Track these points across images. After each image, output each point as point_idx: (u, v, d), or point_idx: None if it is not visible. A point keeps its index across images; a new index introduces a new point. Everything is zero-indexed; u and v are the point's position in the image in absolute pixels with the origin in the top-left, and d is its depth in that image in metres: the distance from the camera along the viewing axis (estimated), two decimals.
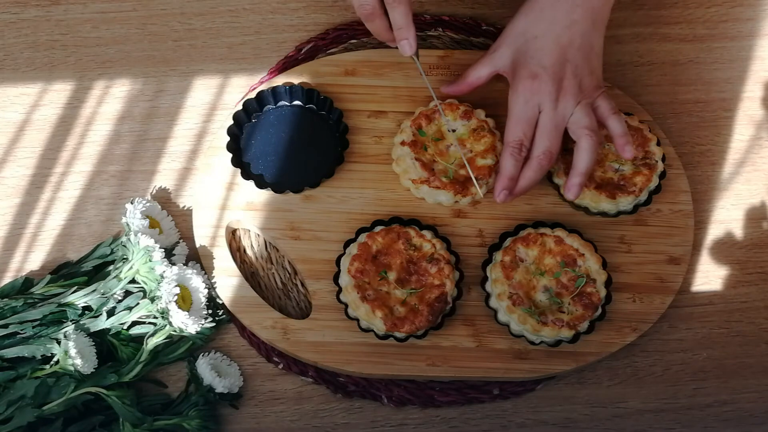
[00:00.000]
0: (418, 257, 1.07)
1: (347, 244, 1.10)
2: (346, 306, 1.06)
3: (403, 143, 1.11)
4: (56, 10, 1.25)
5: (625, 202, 1.11)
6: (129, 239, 1.06)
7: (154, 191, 1.17)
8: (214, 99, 1.22)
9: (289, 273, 1.14)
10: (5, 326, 1.03)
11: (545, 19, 1.05)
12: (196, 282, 1.06)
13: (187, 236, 1.13)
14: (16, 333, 1.03)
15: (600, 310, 1.06)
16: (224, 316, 1.10)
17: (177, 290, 1.03)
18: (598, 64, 1.07)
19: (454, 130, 1.12)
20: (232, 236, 1.14)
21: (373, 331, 1.05)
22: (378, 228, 1.09)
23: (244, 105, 1.16)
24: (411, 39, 1.05)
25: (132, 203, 1.08)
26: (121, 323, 1.05)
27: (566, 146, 1.12)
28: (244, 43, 1.25)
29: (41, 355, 1.02)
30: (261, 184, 1.12)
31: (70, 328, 1.03)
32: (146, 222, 1.06)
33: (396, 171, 1.12)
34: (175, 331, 1.04)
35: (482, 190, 1.10)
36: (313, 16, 1.26)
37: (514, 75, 1.07)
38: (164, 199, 1.17)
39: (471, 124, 1.12)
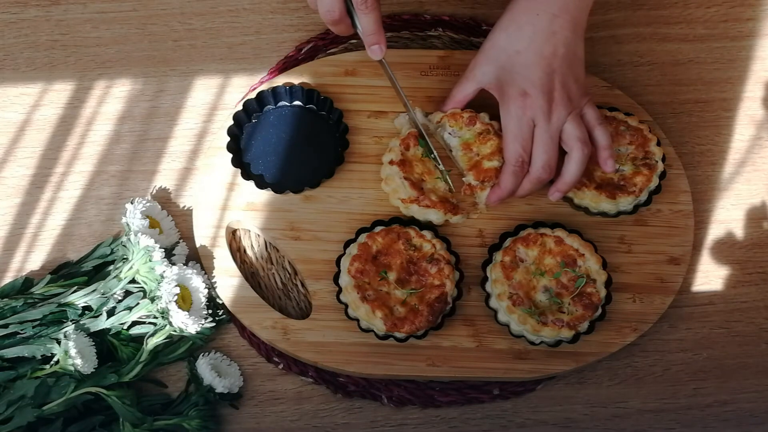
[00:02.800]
0: (418, 257, 1.07)
1: (347, 244, 1.10)
2: (346, 306, 1.06)
3: (391, 162, 1.11)
4: (56, 10, 1.25)
5: (625, 203, 1.11)
6: (129, 239, 1.06)
7: (155, 191, 1.17)
8: (214, 99, 1.22)
9: (289, 273, 1.14)
10: (5, 326, 1.03)
11: (526, 32, 1.05)
12: (196, 282, 1.06)
13: (187, 236, 1.13)
14: (16, 333, 1.04)
15: (600, 310, 1.06)
16: (224, 316, 1.10)
17: (177, 290, 1.03)
18: (581, 71, 1.07)
19: (433, 154, 1.12)
20: (233, 236, 1.14)
21: (373, 331, 1.05)
22: (378, 228, 1.09)
23: (244, 105, 1.16)
24: (382, 44, 1.05)
25: (132, 203, 1.08)
26: (121, 323, 1.05)
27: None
28: (244, 43, 1.25)
29: (41, 355, 1.02)
30: (261, 185, 1.12)
31: (70, 328, 1.03)
32: (146, 222, 1.06)
33: (385, 191, 1.11)
34: (175, 331, 1.04)
35: (485, 193, 1.10)
36: (313, 16, 1.26)
37: (502, 93, 1.07)
38: (164, 199, 1.17)
39: (476, 129, 1.12)
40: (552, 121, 1.05)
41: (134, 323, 1.06)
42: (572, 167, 1.07)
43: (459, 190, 1.12)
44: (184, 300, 1.05)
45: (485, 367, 1.07)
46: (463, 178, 1.11)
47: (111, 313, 1.05)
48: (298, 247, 1.11)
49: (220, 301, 1.10)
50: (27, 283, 1.09)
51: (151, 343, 1.05)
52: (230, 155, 1.13)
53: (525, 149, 1.06)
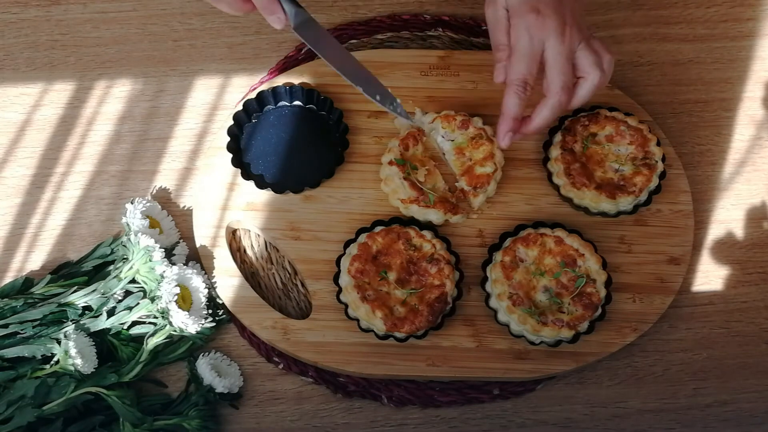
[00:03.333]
0: (418, 257, 1.07)
1: (347, 244, 1.10)
2: (346, 306, 1.06)
3: (391, 163, 1.11)
4: (56, 10, 1.25)
5: (625, 203, 1.11)
6: (129, 239, 1.06)
7: (155, 191, 1.17)
8: (215, 99, 1.22)
9: (289, 273, 1.14)
10: (5, 326, 1.03)
11: None
12: (196, 282, 1.06)
13: (187, 236, 1.13)
14: (17, 333, 1.04)
15: (600, 310, 1.06)
16: (224, 316, 1.10)
17: (177, 290, 1.03)
18: (584, 11, 1.03)
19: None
20: (233, 236, 1.14)
21: (373, 331, 1.05)
22: (378, 228, 1.09)
23: (244, 105, 1.16)
24: (279, 13, 0.97)
25: (132, 203, 1.08)
26: (121, 323, 1.05)
27: (566, 147, 1.12)
28: (244, 43, 1.25)
29: (41, 355, 1.02)
30: (261, 185, 1.12)
31: (70, 328, 1.03)
32: (146, 222, 1.06)
33: (385, 191, 1.11)
34: (175, 331, 1.04)
35: (479, 200, 1.10)
36: (313, 16, 1.26)
37: (514, 12, 1.01)
38: (164, 199, 1.17)
39: (469, 132, 1.12)
40: (566, 42, 0.99)
41: (134, 323, 1.06)
42: (585, 90, 1.02)
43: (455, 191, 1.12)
44: (184, 300, 1.05)
45: (485, 367, 1.07)
46: (456, 183, 1.12)
47: (111, 313, 1.05)
48: (298, 247, 1.11)
49: (220, 301, 1.10)
50: (27, 283, 1.09)
51: (151, 343, 1.05)
52: (230, 155, 1.13)
53: (531, 71, 1.00)
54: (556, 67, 1.00)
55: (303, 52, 1.24)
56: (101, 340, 1.05)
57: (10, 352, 1.02)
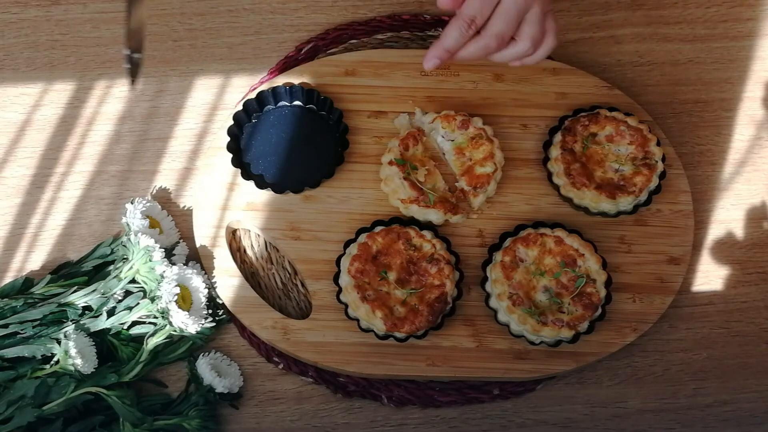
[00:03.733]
0: (418, 257, 1.07)
1: (347, 244, 1.10)
2: (346, 306, 1.06)
3: (391, 163, 1.11)
4: (56, 10, 1.25)
5: (625, 203, 1.11)
6: (129, 239, 1.06)
7: (155, 191, 1.17)
8: (215, 99, 1.22)
9: (289, 273, 1.14)
10: (5, 326, 1.03)
11: None
12: (196, 282, 1.06)
13: (187, 236, 1.13)
14: (17, 333, 1.04)
15: (600, 310, 1.06)
16: (224, 316, 1.10)
17: (177, 290, 1.03)
18: None
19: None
20: (233, 236, 1.14)
21: (373, 331, 1.05)
22: (378, 228, 1.09)
23: (244, 105, 1.16)
24: None
25: (132, 203, 1.08)
26: (121, 323, 1.05)
27: (566, 147, 1.12)
28: (244, 43, 1.25)
29: (41, 355, 1.02)
30: (261, 185, 1.12)
31: (70, 328, 1.03)
32: (146, 222, 1.06)
33: (384, 191, 1.11)
34: (175, 331, 1.04)
35: (479, 200, 1.10)
36: (313, 16, 1.26)
37: None
38: (165, 199, 1.17)
39: (469, 132, 1.12)
40: None
41: (134, 323, 1.06)
42: (507, 53, 1.01)
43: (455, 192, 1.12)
44: (184, 300, 1.05)
45: (485, 367, 1.07)
46: (456, 183, 1.12)
47: (111, 313, 1.05)
48: (298, 247, 1.11)
49: (220, 301, 1.10)
50: (27, 283, 1.09)
51: (151, 343, 1.05)
52: (230, 155, 1.13)
53: (482, 12, 0.99)
54: (503, 14, 0.99)
55: (303, 52, 1.24)
56: (101, 340, 1.05)
57: (10, 352, 1.02)
